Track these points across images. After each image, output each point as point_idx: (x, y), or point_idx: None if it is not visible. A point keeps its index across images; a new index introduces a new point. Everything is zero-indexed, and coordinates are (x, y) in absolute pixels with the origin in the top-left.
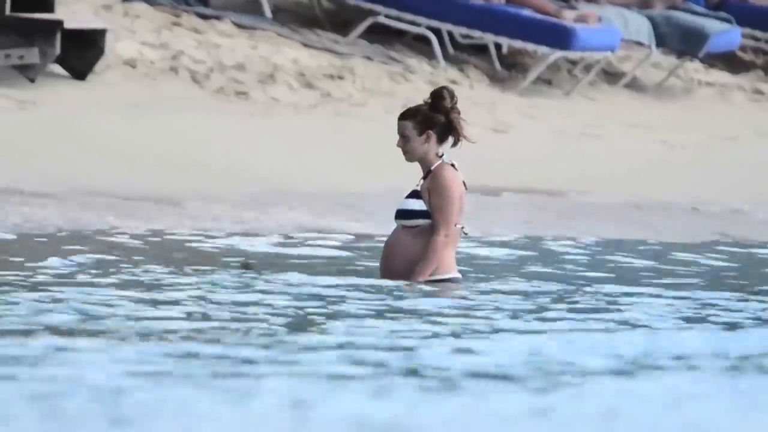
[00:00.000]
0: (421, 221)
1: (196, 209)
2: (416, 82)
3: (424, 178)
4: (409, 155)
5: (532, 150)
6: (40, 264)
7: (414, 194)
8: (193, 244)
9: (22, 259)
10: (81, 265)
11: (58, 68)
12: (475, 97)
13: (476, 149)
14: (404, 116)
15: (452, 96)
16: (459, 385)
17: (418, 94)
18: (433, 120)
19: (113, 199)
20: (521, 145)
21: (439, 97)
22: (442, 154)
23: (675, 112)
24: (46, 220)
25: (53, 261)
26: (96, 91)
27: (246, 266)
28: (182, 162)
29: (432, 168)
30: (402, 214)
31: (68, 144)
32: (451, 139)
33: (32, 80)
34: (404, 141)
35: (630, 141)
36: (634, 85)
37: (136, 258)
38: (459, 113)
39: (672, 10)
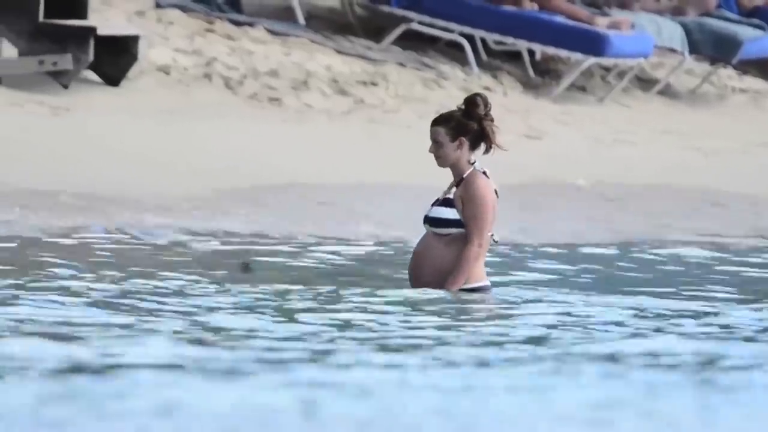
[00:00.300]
0: (454, 230)
1: (228, 214)
2: (449, 88)
3: (457, 185)
4: (442, 161)
5: (567, 156)
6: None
7: (446, 202)
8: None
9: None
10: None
11: (91, 74)
12: (508, 103)
13: (510, 155)
14: (437, 122)
15: (486, 103)
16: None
17: (452, 101)
18: (466, 127)
19: (147, 203)
20: (555, 152)
21: (473, 104)
22: (474, 162)
23: (708, 119)
24: (79, 223)
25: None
26: (129, 98)
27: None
28: (215, 168)
29: (464, 175)
30: (434, 222)
31: (101, 150)
32: (483, 147)
33: (66, 86)
34: (437, 147)
35: (663, 147)
36: (668, 92)
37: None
38: (492, 120)
39: (705, 16)
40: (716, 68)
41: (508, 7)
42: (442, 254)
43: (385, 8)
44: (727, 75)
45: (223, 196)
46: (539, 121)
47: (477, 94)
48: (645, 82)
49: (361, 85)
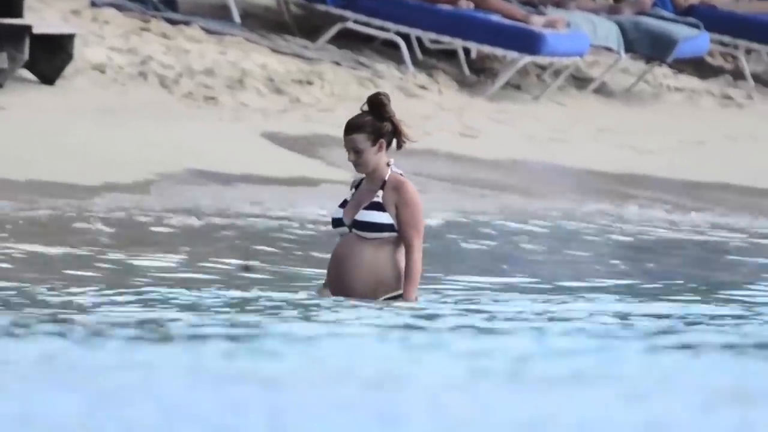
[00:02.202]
0: (386, 234)
1: (164, 212)
2: (385, 87)
3: (381, 188)
4: (363, 167)
5: (501, 155)
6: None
7: (376, 206)
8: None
9: None
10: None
11: (27, 73)
12: (444, 102)
13: (446, 154)
14: (354, 129)
15: (389, 100)
16: None
17: None
18: (381, 129)
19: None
20: (490, 150)
21: (381, 104)
22: (390, 162)
23: (644, 117)
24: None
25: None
26: (65, 96)
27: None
28: (150, 166)
29: (386, 178)
30: (364, 226)
31: (37, 148)
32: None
33: (1, 85)
34: (358, 155)
35: (599, 146)
36: (603, 91)
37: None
38: (395, 116)
39: (640, 15)
40: (652, 67)
41: (444, 6)
42: (374, 260)
43: (321, 7)
44: (662, 74)
45: (157, 194)
46: (474, 120)
47: (379, 93)
48: (580, 81)
49: (297, 84)
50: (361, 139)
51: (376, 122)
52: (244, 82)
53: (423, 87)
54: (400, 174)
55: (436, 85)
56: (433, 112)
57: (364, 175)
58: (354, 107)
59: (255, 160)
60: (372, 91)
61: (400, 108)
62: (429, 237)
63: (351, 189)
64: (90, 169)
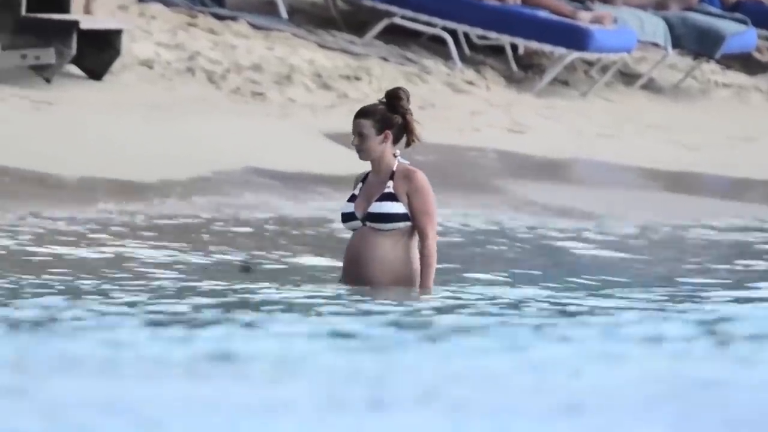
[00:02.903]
0: (400, 225)
1: (206, 207)
2: (432, 83)
3: (391, 179)
4: (365, 154)
5: (550, 150)
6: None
7: (389, 197)
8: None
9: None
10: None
11: (74, 69)
12: (491, 98)
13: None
14: (362, 115)
15: (408, 97)
16: None
17: (435, 95)
18: (391, 120)
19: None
20: (538, 146)
21: (396, 98)
22: (398, 154)
23: (691, 114)
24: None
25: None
26: (112, 92)
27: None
28: (197, 162)
29: (394, 169)
30: (379, 218)
31: (84, 145)
32: (403, 140)
33: (48, 80)
34: (361, 139)
35: (646, 142)
36: (651, 87)
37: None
38: (412, 114)
39: (688, 11)
40: (699, 63)
41: (492, 2)
42: (390, 252)
43: (368, 2)
44: (710, 69)
45: (203, 189)
46: (522, 116)
47: (399, 88)
48: (628, 77)
49: (344, 79)
50: (367, 125)
51: (386, 113)
52: (292, 78)
53: (471, 83)
54: (408, 164)
55: (483, 81)
56: (481, 108)
57: (368, 171)
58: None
59: (310, 157)
60: (420, 87)
61: (447, 104)
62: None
63: (356, 184)
64: (142, 167)
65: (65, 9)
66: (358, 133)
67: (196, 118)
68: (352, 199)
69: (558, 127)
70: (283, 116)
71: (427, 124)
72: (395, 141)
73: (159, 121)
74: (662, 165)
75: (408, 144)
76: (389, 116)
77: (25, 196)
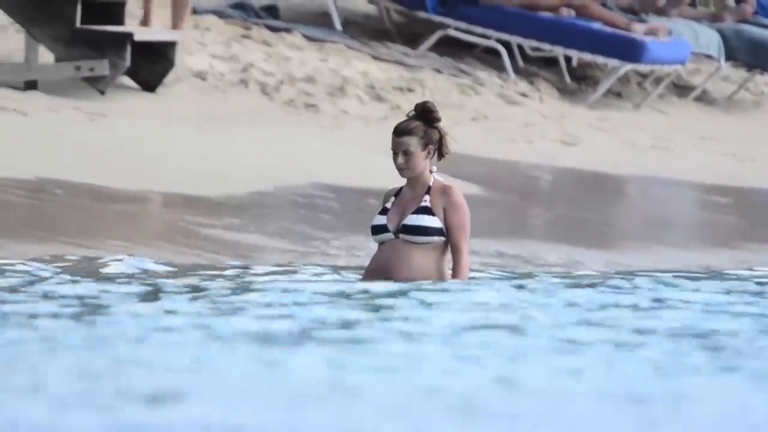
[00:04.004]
0: (435, 239)
1: (263, 221)
2: (486, 95)
3: (427, 193)
4: (410, 171)
5: (603, 162)
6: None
7: (425, 210)
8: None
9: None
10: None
11: (128, 80)
12: (544, 110)
13: (547, 161)
14: (405, 132)
15: (437, 109)
16: None
17: (488, 107)
18: (431, 135)
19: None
20: (591, 158)
21: (431, 111)
22: (434, 170)
23: (745, 126)
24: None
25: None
26: (166, 104)
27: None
28: (251, 174)
29: (431, 183)
30: (415, 230)
31: (138, 156)
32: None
33: (102, 92)
34: (407, 158)
35: (700, 154)
36: (704, 98)
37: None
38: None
39: (742, 23)
40: (753, 75)
41: (545, 14)
42: (421, 266)
43: (422, 14)
44: (763, 81)
45: (257, 201)
46: (576, 127)
47: (427, 101)
48: (681, 89)
49: (398, 91)
50: (414, 143)
51: (426, 128)
52: (345, 90)
53: (524, 95)
54: (442, 180)
55: (537, 93)
56: (534, 120)
57: (401, 186)
58: (455, 115)
59: (365, 170)
60: (473, 98)
61: (500, 115)
62: None
63: (387, 199)
64: (197, 179)
65: (119, 21)
66: (404, 152)
67: (250, 130)
68: (384, 212)
69: (611, 139)
70: (336, 128)
71: (479, 136)
72: (436, 155)
73: (212, 133)
74: (715, 177)
75: (440, 157)
76: (429, 131)
77: (78, 208)
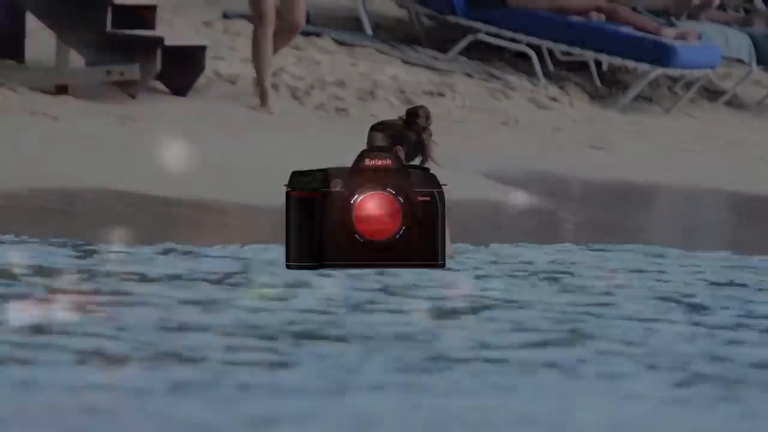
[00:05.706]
0: None
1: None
2: (516, 99)
3: None
4: None
5: (634, 166)
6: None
7: None
8: None
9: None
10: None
11: (158, 85)
12: (575, 114)
13: (577, 165)
14: (376, 127)
15: (427, 116)
16: None
17: (519, 111)
18: (404, 136)
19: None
20: (622, 162)
21: (414, 115)
22: None
23: None
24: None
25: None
26: (196, 108)
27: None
28: (281, 178)
29: None
30: None
31: (170, 161)
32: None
33: (133, 96)
34: None
35: (730, 158)
36: (735, 103)
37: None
38: (431, 135)
39: None
40: None
41: (576, 18)
42: None
43: (452, 19)
44: None
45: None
46: (606, 132)
47: (419, 107)
48: (712, 93)
49: (428, 95)
50: (378, 138)
51: (402, 129)
52: (375, 94)
53: (554, 99)
54: None
55: (567, 97)
56: (565, 124)
57: None
58: (485, 119)
59: None
60: (504, 103)
61: (531, 119)
62: None
63: None
64: (228, 183)
65: (150, 25)
66: (368, 146)
67: (281, 134)
68: None
69: (641, 144)
70: (366, 132)
71: (510, 140)
72: (408, 159)
73: (243, 138)
74: (746, 182)
75: (422, 164)
76: (404, 132)
77: (109, 212)
